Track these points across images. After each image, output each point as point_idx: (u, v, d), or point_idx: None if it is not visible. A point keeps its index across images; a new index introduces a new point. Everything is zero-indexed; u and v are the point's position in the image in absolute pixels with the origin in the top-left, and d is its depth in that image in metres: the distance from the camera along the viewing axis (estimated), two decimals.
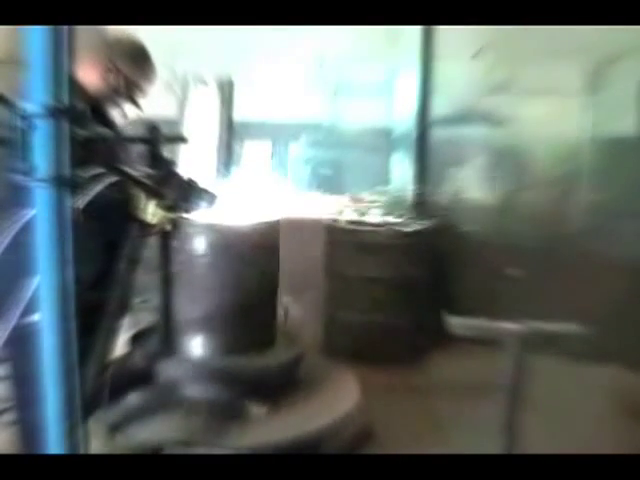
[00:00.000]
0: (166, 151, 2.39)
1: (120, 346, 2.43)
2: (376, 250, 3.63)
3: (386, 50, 4.24)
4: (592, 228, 3.66)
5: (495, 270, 3.64)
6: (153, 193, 2.25)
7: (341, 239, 3.76)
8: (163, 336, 2.53)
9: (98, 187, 1.90)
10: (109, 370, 2.13)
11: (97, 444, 1.94)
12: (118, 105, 2.34)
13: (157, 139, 2.29)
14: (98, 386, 2.05)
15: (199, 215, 2.46)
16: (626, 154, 3.68)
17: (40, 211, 1.27)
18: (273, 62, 4.30)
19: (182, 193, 2.37)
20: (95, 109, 2.20)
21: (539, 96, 3.81)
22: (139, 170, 2.22)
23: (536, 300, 3.03)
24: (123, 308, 2.22)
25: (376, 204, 4.03)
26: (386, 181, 4.45)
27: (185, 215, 2.42)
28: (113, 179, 1.99)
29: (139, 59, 2.32)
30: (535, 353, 1.88)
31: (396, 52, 4.29)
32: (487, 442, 1.86)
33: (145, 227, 2.27)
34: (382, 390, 3.01)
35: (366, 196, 4.18)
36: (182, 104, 4.22)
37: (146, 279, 2.44)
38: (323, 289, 3.79)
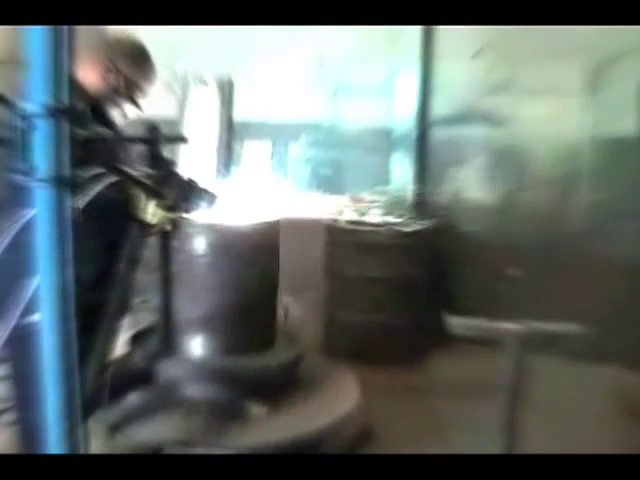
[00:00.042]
0: (166, 151, 2.39)
1: (120, 346, 2.43)
2: (376, 250, 3.64)
3: (386, 50, 4.24)
4: (592, 228, 3.66)
5: (495, 270, 3.64)
6: (153, 193, 2.25)
7: (341, 239, 3.76)
8: (163, 336, 2.53)
9: (98, 187, 1.90)
10: (109, 370, 2.13)
11: (97, 444, 1.94)
12: (118, 105, 2.34)
13: (157, 139, 2.29)
14: (98, 386, 2.05)
15: (199, 215, 2.46)
16: (626, 154, 3.68)
17: (40, 211, 1.27)
18: (273, 62, 4.30)
19: (182, 193, 2.37)
20: (95, 109, 2.20)
21: (539, 96, 3.81)
22: (139, 170, 2.22)
23: (536, 300, 3.03)
24: (123, 308, 2.22)
25: (376, 204, 4.03)
26: (386, 181, 4.45)
27: (185, 215, 2.42)
28: (113, 179, 1.99)
29: (139, 59, 2.32)
30: (535, 353, 1.88)
31: (396, 52, 4.29)
32: (487, 442, 1.86)
33: (145, 227, 2.27)
34: (382, 390, 3.01)
35: (366, 196, 4.18)
36: (182, 104, 4.22)
37: (146, 279, 2.44)
38: (323, 289, 3.79)
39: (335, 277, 3.76)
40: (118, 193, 2.08)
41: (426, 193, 4.19)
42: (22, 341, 1.50)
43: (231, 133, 4.14)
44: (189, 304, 2.50)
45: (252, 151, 4.69)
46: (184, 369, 2.49)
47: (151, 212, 2.26)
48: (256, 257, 2.50)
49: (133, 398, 2.42)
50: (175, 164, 2.53)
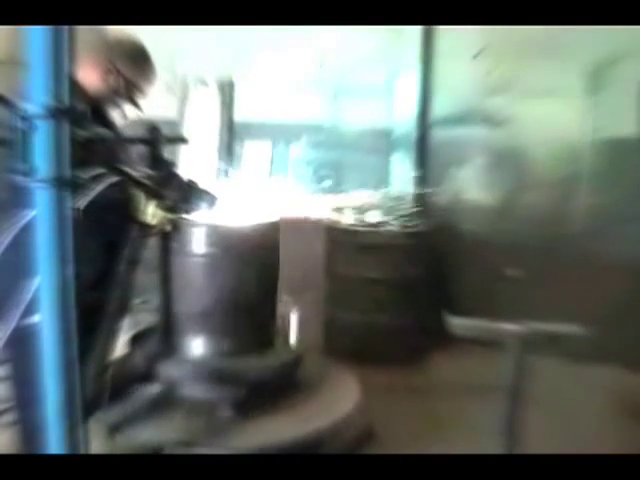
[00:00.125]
0: (166, 152, 2.39)
1: (120, 347, 2.44)
2: (376, 250, 3.64)
3: (386, 51, 4.24)
4: (592, 229, 3.66)
5: (495, 271, 3.64)
6: (153, 194, 2.25)
7: (341, 239, 3.76)
8: (163, 337, 2.53)
9: (98, 188, 1.90)
10: (109, 371, 2.13)
11: (97, 444, 1.94)
12: (118, 106, 2.34)
13: (157, 140, 2.29)
14: (98, 387, 2.05)
15: (199, 216, 2.46)
16: (626, 155, 3.68)
17: (40, 212, 1.27)
18: (273, 63, 4.30)
19: (182, 194, 2.37)
20: (95, 110, 2.20)
21: (539, 97, 3.81)
22: (139, 171, 2.22)
23: (536, 301, 3.03)
24: (123, 309, 2.22)
25: (376, 205, 4.03)
26: (386, 182, 4.45)
27: (185, 216, 2.42)
28: (113, 180, 1.99)
29: (139, 60, 2.32)
30: (535, 354, 1.88)
31: (396, 53, 4.29)
32: (487, 442, 1.86)
33: (145, 228, 2.27)
34: (382, 390, 3.01)
35: (366, 197, 4.18)
36: (182, 105, 4.23)
37: (146, 280, 2.45)
38: (323, 289, 3.79)
39: (335, 277, 3.76)
40: (118, 194, 2.08)
41: (426, 194, 4.19)
42: (22, 342, 1.50)
43: (231, 134, 4.14)
44: (189, 305, 2.50)
45: (252, 152, 4.69)
46: (184, 370, 2.49)
47: (151, 213, 2.26)
48: (256, 258, 2.50)
49: (133, 399, 2.42)
50: (175, 165, 2.53)
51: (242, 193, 2.70)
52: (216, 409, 2.35)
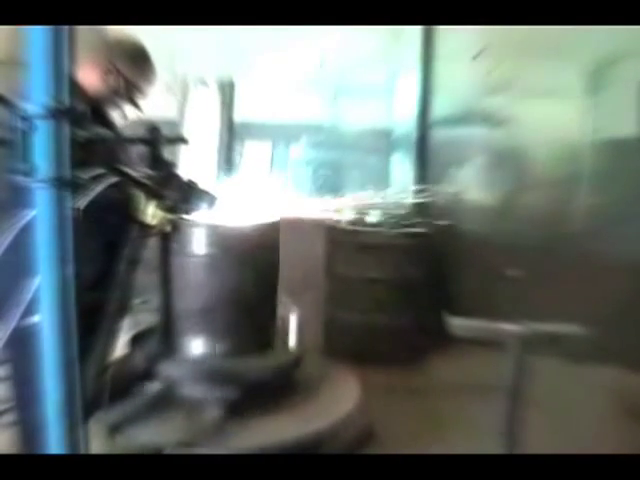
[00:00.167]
0: (166, 152, 2.39)
1: (120, 347, 2.43)
2: (376, 250, 3.64)
3: (387, 51, 4.24)
4: (592, 229, 3.65)
5: (495, 271, 3.63)
6: (153, 194, 2.25)
7: (341, 240, 3.76)
8: (163, 337, 2.53)
9: (98, 188, 1.90)
10: (109, 371, 2.13)
11: (97, 444, 1.94)
12: (118, 106, 2.34)
13: (157, 140, 2.29)
14: (98, 387, 2.05)
15: (199, 216, 2.46)
16: (626, 155, 3.68)
17: (40, 212, 1.27)
18: (273, 63, 4.30)
19: (182, 194, 2.37)
20: (95, 110, 2.20)
21: (539, 97, 3.81)
22: (139, 171, 2.22)
23: (536, 301, 3.03)
24: (123, 309, 2.22)
25: (376, 205, 4.02)
26: (387, 182, 4.44)
27: (185, 216, 2.42)
28: (113, 180, 1.99)
29: (139, 60, 2.32)
30: (535, 354, 1.88)
31: (397, 53, 4.29)
32: (487, 442, 1.86)
33: (145, 228, 2.27)
34: (382, 391, 3.01)
35: (366, 197, 4.17)
36: (182, 105, 4.22)
37: (146, 280, 2.44)
38: (323, 289, 3.79)
39: (335, 277, 3.76)
40: (118, 194, 2.08)
41: (426, 194, 4.19)
42: (22, 342, 1.50)
43: (231, 134, 4.14)
44: (189, 305, 2.50)
45: (252, 152, 4.69)
46: (184, 370, 2.49)
47: (151, 213, 2.26)
48: (256, 258, 2.50)
49: (133, 399, 2.42)
50: (175, 165, 2.53)
51: (242, 193, 2.70)
52: (216, 409, 2.35)
